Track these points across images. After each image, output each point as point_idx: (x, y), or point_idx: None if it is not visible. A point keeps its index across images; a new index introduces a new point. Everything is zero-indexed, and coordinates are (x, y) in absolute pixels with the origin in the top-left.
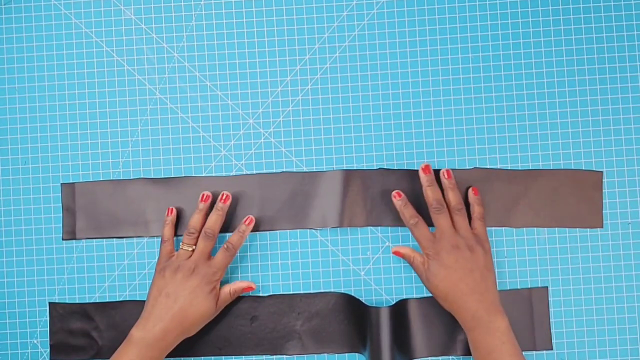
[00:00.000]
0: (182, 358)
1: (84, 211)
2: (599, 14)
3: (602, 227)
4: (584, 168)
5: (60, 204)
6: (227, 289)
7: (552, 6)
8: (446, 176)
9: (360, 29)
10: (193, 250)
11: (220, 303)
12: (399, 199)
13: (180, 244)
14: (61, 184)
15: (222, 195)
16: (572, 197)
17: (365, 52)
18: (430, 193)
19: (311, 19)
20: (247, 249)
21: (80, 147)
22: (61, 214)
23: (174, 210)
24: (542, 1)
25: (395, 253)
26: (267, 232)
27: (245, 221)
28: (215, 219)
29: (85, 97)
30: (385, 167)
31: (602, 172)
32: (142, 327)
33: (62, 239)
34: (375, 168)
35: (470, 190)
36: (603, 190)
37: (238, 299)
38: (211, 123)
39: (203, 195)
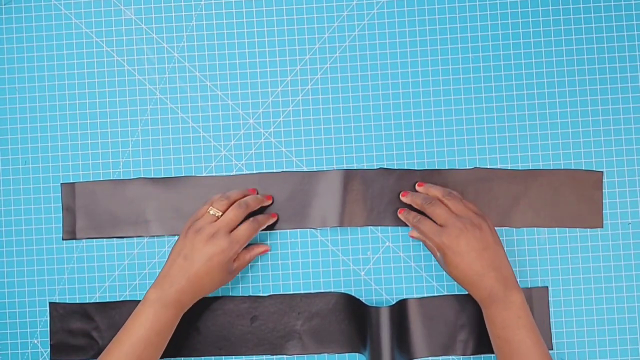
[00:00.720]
0: (182, 358)
1: (84, 211)
2: (599, 14)
3: (602, 227)
4: (584, 168)
5: (60, 204)
6: (247, 255)
7: (552, 6)
8: (419, 185)
9: (360, 29)
10: (217, 217)
11: (237, 269)
12: (402, 213)
13: (209, 206)
14: (61, 184)
15: (268, 196)
16: (572, 197)
17: (365, 52)
18: (415, 199)
19: (311, 19)
20: None
21: (80, 147)
22: (61, 214)
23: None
24: (542, 1)
25: (411, 235)
26: (267, 232)
27: (272, 214)
28: (254, 199)
29: (85, 97)
30: (385, 167)
31: (602, 172)
32: (158, 288)
33: (62, 239)
34: (375, 168)
35: (417, 185)
36: (603, 190)
37: (238, 299)
38: (211, 123)
39: (251, 189)
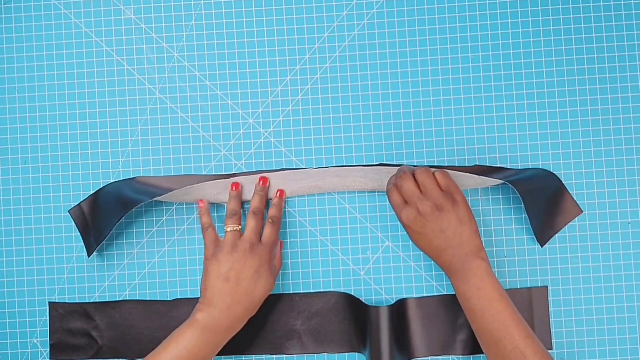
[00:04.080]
0: None
1: (95, 227)
2: (599, 14)
3: (542, 247)
4: (583, 169)
5: (60, 204)
6: (277, 251)
7: (552, 6)
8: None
9: (360, 29)
10: (239, 231)
11: (277, 268)
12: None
13: (225, 227)
14: (69, 211)
15: (260, 180)
16: (546, 207)
17: (365, 52)
18: (397, 172)
19: (311, 18)
20: None
21: (80, 147)
22: (61, 214)
23: (206, 202)
24: (542, 1)
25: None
26: None
27: (276, 195)
28: (260, 199)
29: (85, 96)
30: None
31: (583, 212)
32: (208, 315)
33: (88, 257)
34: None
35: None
36: (605, 190)
37: None
38: (211, 123)
39: (233, 184)
